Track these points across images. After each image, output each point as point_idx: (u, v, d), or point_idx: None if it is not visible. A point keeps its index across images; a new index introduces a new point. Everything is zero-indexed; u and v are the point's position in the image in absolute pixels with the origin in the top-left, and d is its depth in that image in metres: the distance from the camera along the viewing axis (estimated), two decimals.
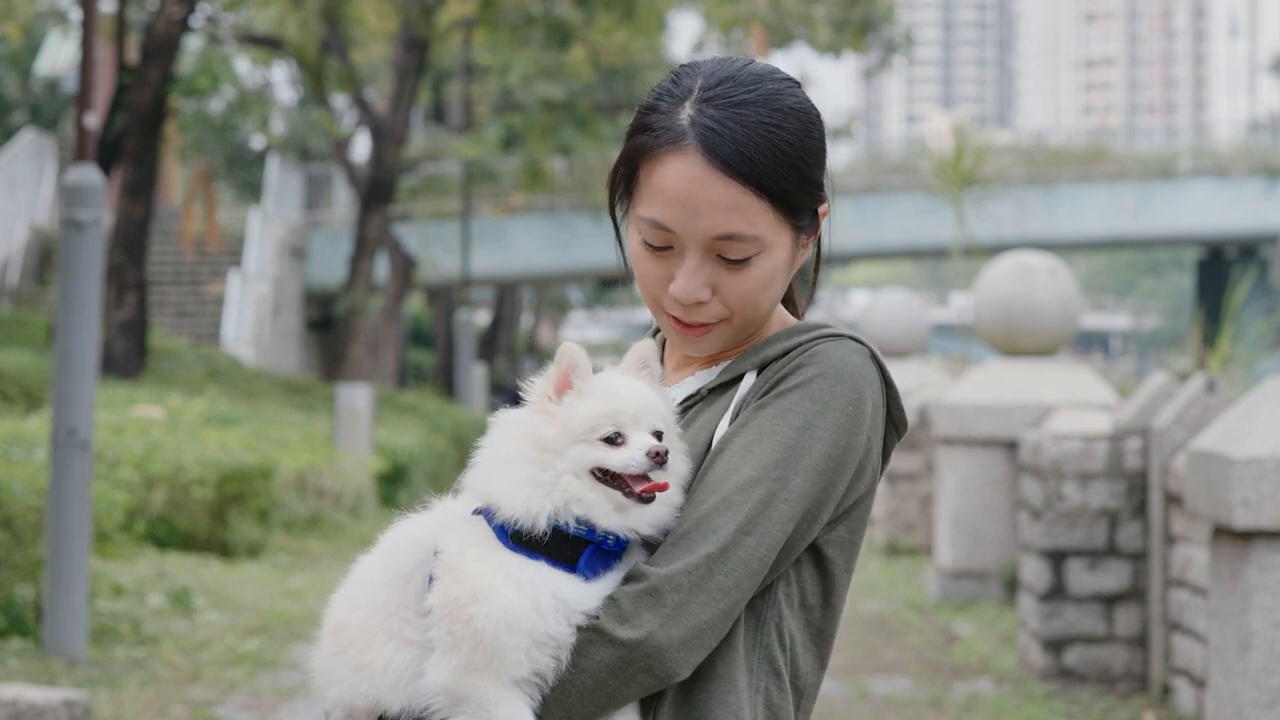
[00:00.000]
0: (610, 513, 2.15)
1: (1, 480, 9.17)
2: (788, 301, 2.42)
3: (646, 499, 2.14)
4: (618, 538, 2.16)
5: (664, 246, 2.24)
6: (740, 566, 2.16)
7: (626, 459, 2.15)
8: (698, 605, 2.14)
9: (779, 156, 2.21)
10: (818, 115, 2.28)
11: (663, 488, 2.15)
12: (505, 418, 2.22)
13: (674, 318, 2.27)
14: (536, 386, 2.21)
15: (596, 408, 2.17)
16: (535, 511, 2.14)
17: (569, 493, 2.14)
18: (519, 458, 2.17)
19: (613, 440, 2.16)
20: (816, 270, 2.41)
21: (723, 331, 2.28)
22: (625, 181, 2.28)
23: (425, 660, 2.16)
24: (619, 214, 2.32)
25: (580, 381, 2.19)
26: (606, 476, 2.15)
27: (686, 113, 2.23)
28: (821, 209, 2.29)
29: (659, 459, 2.14)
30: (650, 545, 2.21)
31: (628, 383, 2.21)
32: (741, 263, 2.23)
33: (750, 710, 2.20)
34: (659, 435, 2.18)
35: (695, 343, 2.30)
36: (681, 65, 2.32)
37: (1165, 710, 8.47)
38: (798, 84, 2.29)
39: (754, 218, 2.21)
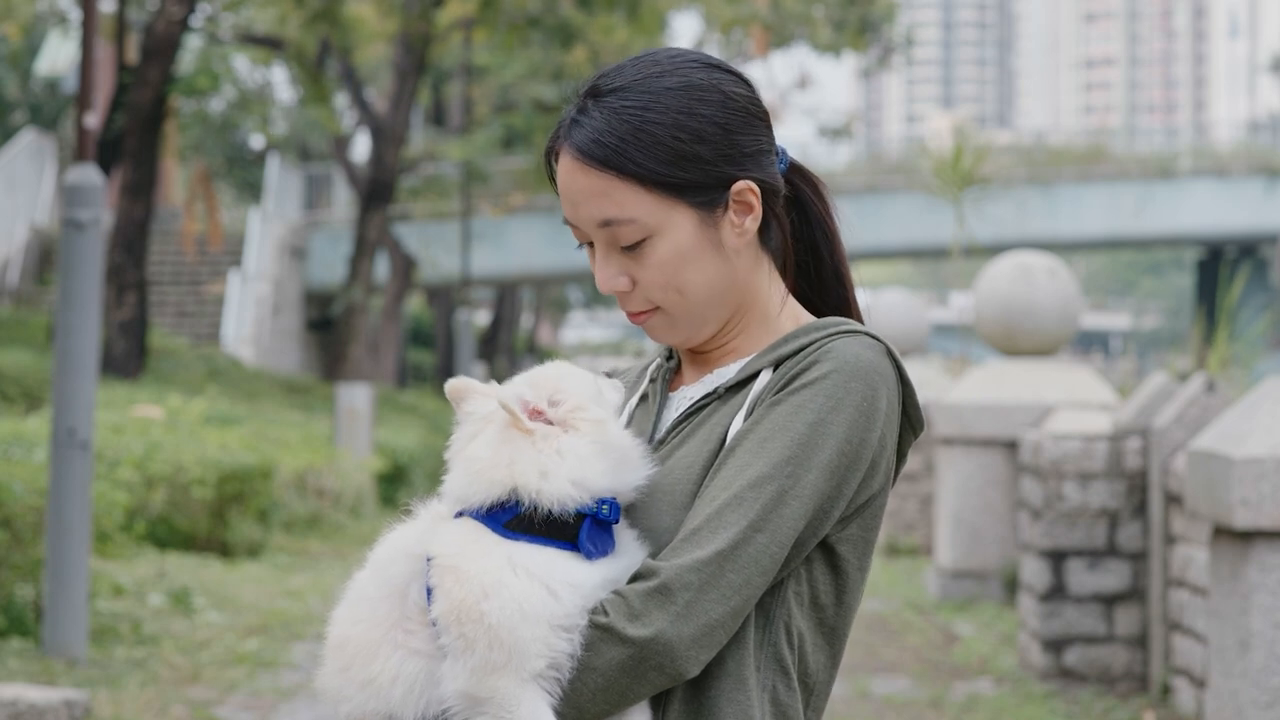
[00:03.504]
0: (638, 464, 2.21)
1: (1, 480, 9.17)
2: (845, 301, 2.42)
3: None
4: (612, 506, 2.16)
5: (586, 242, 2.31)
6: (751, 564, 2.16)
7: (619, 386, 2.32)
8: (708, 603, 2.13)
9: (640, 137, 2.22)
10: (717, 91, 2.26)
11: None
12: (476, 437, 2.23)
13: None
14: (522, 414, 2.20)
15: (580, 370, 2.25)
16: (588, 491, 2.16)
17: (616, 449, 2.20)
18: (588, 445, 2.18)
19: None
20: (788, 253, 2.38)
21: (664, 319, 2.30)
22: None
23: (435, 668, 2.14)
24: None
25: (535, 385, 2.23)
26: None
27: (573, 109, 2.28)
28: (739, 185, 2.26)
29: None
30: (629, 512, 2.22)
31: (536, 369, 2.28)
32: (636, 248, 2.25)
33: (759, 708, 2.20)
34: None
35: (648, 330, 2.33)
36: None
37: (1165, 710, 8.47)
38: (706, 65, 2.29)
39: (622, 201, 2.23)
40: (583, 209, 2.26)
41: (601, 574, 2.15)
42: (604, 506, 2.16)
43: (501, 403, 2.19)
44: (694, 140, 2.24)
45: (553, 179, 2.33)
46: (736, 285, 2.31)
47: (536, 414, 2.20)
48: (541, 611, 2.10)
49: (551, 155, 2.31)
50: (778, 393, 2.24)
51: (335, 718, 2.22)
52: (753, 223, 2.29)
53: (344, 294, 28.16)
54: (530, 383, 2.23)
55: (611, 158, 2.22)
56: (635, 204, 2.23)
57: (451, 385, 2.25)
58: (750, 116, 2.29)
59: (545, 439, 2.17)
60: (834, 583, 2.27)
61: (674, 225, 2.25)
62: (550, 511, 2.14)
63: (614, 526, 2.19)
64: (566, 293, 57.40)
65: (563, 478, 2.15)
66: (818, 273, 2.41)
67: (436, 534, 2.18)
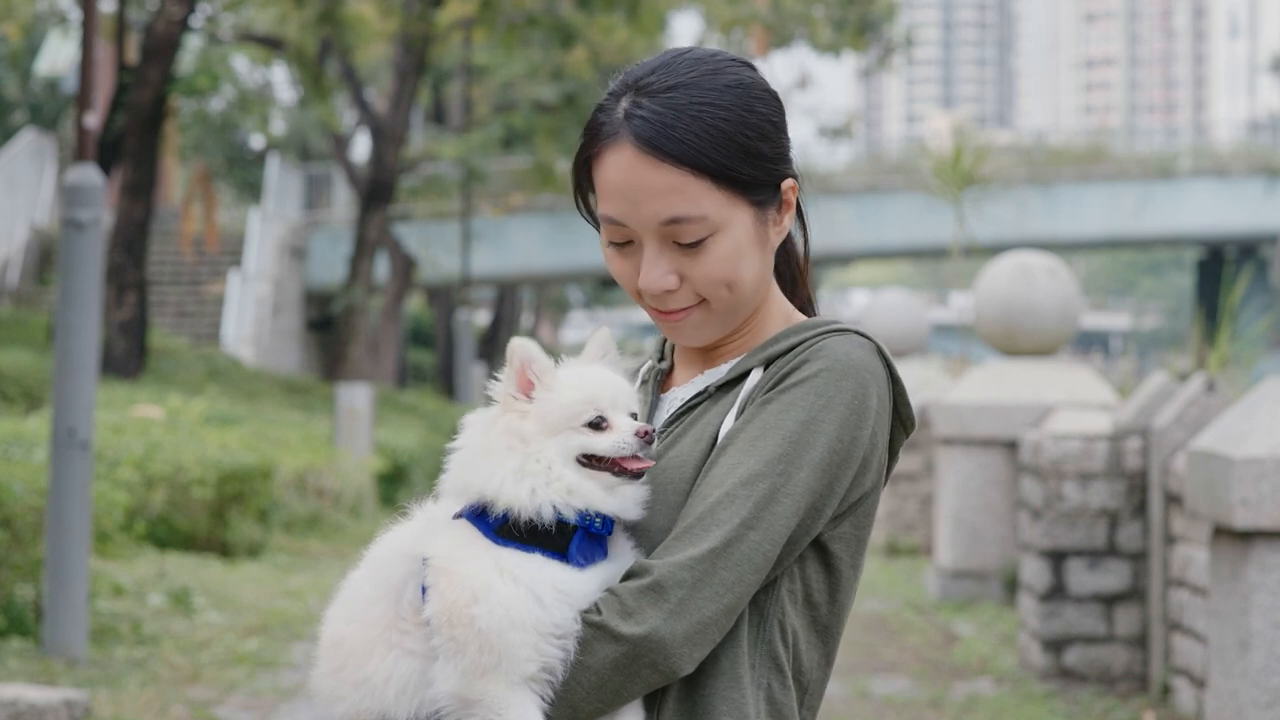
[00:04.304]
0: (606, 497, 2.16)
1: (1, 480, 9.17)
2: (804, 301, 2.42)
3: (639, 475, 2.18)
4: (605, 519, 2.16)
5: (625, 241, 2.27)
6: (744, 561, 2.16)
7: (617, 442, 2.17)
8: (701, 600, 2.14)
9: (712, 134, 2.21)
10: (765, 90, 2.28)
11: (649, 464, 2.18)
12: (476, 417, 2.23)
13: (653, 308, 2.29)
14: (500, 388, 2.21)
15: (574, 395, 2.19)
16: (539, 501, 2.14)
17: (564, 482, 2.15)
18: (505, 449, 2.17)
19: (597, 425, 2.18)
20: (806, 261, 2.41)
21: (705, 316, 2.29)
22: (586, 183, 2.30)
23: (429, 669, 2.14)
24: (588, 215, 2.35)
25: (543, 374, 2.20)
26: (591, 460, 2.17)
27: (622, 106, 2.25)
28: (786, 184, 2.29)
29: (647, 438, 2.17)
30: (629, 527, 2.22)
31: (597, 369, 2.24)
32: (696, 245, 2.23)
33: (754, 706, 2.20)
34: (634, 416, 2.21)
35: (679, 329, 2.31)
36: (631, 64, 2.34)
37: (1165, 710, 8.47)
38: (744, 64, 2.30)
39: (695, 197, 2.22)
40: (646, 206, 2.22)
41: (594, 581, 2.15)
42: (597, 519, 2.16)
43: (510, 357, 2.19)
44: (758, 138, 2.24)
45: (582, 182, 2.28)
46: (765, 282, 2.33)
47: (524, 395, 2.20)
48: (529, 618, 2.10)
49: (590, 156, 2.27)
50: (769, 391, 2.25)
51: (330, 718, 2.22)
52: (790, 220, 2.32)
53: (344, 294, 28.16)
54: (547, 378, 2.21)
55: (687, 153, 2.20)
56: (707, 200, 2.22)
57: (514, 346, 2.20)
58: (785, 115, 2.32)
59: (524, 447, 2.17)
60: (827, 581, 2.27)
61: (735, 222, 2.24)
62: (531, 520, 2.14)
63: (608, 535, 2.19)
64: (566, 293, 57.40)
65: (525, 487, 2.14)
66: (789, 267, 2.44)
67: (433, 535, 2.18)
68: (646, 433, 2.18)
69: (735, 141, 2.22)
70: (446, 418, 24.13)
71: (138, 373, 19.93)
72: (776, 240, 2.30)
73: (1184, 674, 8.27)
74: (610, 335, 2.29)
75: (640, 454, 2.17)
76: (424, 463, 19.01)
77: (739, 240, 2.25)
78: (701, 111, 2.22)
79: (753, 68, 2.30)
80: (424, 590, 2.16)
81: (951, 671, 9.69)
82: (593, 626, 2.13)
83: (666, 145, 2.20)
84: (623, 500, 2.17)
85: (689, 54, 2.29)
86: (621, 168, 2.23)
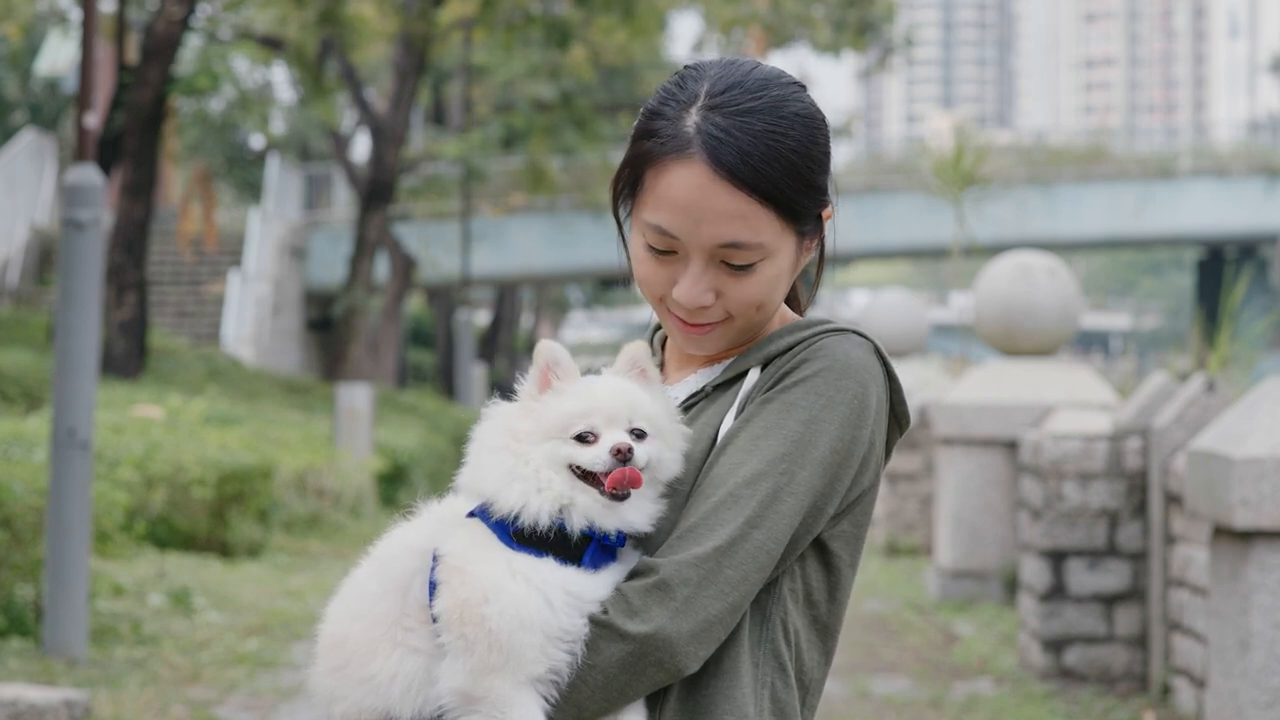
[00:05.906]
0: (605, 513, 2.16)
1: (1, 480, 9.17)
2: (790, 299, 2.44)
3: (618, 496, 2.15)
4: (620, 533, 2.17)
5: (668, 251, 2.26)
6: (748, 560, 2.17)
7: (594, 456, 2.16)
8: (706, 599, 2.14)
9: (784, 165, 2.22)
10: (823, 120, 2.30)
11: (635, 483, 2.15)
12: (493, 410, 2.24)
13: (678, 317, 2.29)
14: (524, 384, 2.23)
15: (571, 406, 2.19)
16: (535, 510, 2.14)
17: (555, 490, 2.15)
18: (501, 448, 2.19)
19: (585, 439, 2.17)
20: (820, 270, 2.42)
21: (725, 331, 2.30)
22: (630, 185, 2.29)
23: (434, 667, 2.15)
24: (622, 215, 2.33)
25: (562, 379, 2.21)
26: (584, 474, 2.17)
27: (692, 120, 2.23)
28: (825, 212, 2.31)
29: (621, 456, 2.15)
30: (639, 540, 2.22)
31: (610, 382, 2.23)
32: (745, 269, 2.24)
33: (755, 705, 2.21)
34: (641, 434, 2.19)
35: (698, 341, 2.31)
36: (686, 67, 2.32)
37: (1165, 710, 8.47)
38: (803, 87, 2.30)
39: (758, 226, 2.22)
40: (709, 227, 2.22)
41: (603, 588, 2.16)
42: (611, 533, 2.17)
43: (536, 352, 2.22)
44: (819, 171, 2.27)
45: (635, 180, 2.27)
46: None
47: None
48: (538, 620, 2.11)
49: (651, 162, 2.25)
50: (768, 390, 2.26)
51: (328, 717, 2.22)
52: (816, 245, 2.33)
53: (344, 294, 28.15)
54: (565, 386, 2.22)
55: (762, 183, 2.21)
56: (767, 229, 2.23)
57: (542, 347, 2.22)
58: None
59: (520, 446, 2.18)
60: (826, 579, 2.28)
61: (783, 250, 2.27)
62: (532, 526, 2.14)
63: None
64: (566, 293, 57.40)
65: (516, 491, 2.15)
66: None
67: (448, 533, 2.19)
68: (619, 450, 2.15)
69: (800, 174, 2.23)
70: (446, 418, 24.13)
71: (138, 373, 19.93)
72: (803, 263, 2.33)
73: (1184, 674, 8.27)
74: (646, 350, 2.28)
75: (617, 470, 2.15)
76: (424, 463, 19.01)
77: (781, 266, 2.27)
78: (775, 141, 2.22)
79: (806, 89, 2.32)
80: (431, 586, 2.16)
81: (951, 671, 9.69)
82: (599, 625, 2.13)
83: (743, 172, 2.20)
84: (623, 517, 2.17)
85: (756, 72, 2.28)
86: (691, 185, 2.22)
